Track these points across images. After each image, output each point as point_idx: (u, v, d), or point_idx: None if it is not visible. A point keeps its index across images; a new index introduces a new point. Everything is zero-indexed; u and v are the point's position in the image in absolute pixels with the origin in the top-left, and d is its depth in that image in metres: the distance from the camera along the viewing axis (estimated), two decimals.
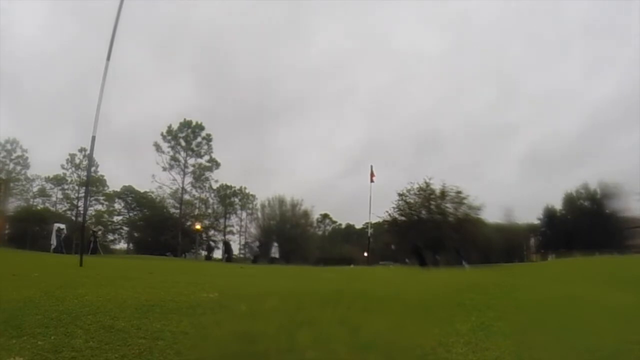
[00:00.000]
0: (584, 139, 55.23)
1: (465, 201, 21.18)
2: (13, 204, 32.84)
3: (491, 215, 26.91)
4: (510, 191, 48.82)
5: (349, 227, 46.38)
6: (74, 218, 36.18)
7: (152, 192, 39.25)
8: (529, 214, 36.94)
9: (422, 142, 62.41)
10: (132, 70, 55.10)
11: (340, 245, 39.97)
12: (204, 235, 36.52)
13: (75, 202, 38.55)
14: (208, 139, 39.33)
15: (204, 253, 33.80)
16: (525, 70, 64.45)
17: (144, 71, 58.18)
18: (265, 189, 64.22)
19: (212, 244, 33.53)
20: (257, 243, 28.45)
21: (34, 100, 49.72)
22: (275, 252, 24.62)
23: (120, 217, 41.35)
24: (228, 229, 42.19)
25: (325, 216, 46.50)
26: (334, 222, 48.06)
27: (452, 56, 63.40)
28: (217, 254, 34.10)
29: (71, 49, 54.99)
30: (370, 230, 27.36)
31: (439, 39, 64.12)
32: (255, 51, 65.57)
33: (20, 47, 53.79)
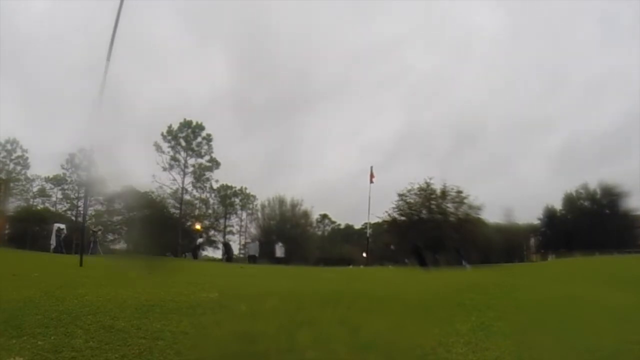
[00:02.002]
0: (621, 134, 49.47)
1: (465, 201, 21.21)
2: (13, 204, 32.87)
3: (491, 215, 26.76)
4: (541, 189, 45.63)
5: (348, 228, 46.38)
6: (74, 218, 36.19)
7: (152, 192, 39.20)
8: (529, 214, 36.79)
9: (461, 134, 56.00)
10: (160, 44, 52.55)
11: (340, 246, 39.95)
12: (203, 235, 36.50)
13: (75, 202, 38.58)
14: (208, 139, 39.33)
15: (204, 253, 33.74)
16: (586, 57, 54.96)
17: (175, 46, 54.59)
18: (281, 185, 60.69)
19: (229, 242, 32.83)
20: (257, 243, 28.45)
21: (37, 88, 47.47)
22: (280, 252, 24.59)
23: (120, 217, 41.33)
24: (228, 229, 42.21)
25: (324, 216, 46.51)
26: (333, 222, 48.07)
27: (510, 39, 55.50)
28: (218, 254, 34.08)
29: (82, 28, 49.35)
30: (369, 231, 27.41)
31: (500, 19, 55.87)
32: (301, 31, 60.05)
33: (24, 26, 49.17)
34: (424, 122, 54.62)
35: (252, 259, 23.08)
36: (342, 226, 47.81)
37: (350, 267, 21.76)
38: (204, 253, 34.23)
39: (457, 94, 56.98)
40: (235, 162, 54.98)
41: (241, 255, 35.11)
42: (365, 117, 58.24)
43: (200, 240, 32.41)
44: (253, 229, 40.56)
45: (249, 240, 32.40)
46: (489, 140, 52.82)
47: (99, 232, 25.15)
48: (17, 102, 42.40)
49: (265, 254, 25.69)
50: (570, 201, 35.26)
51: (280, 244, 25.78)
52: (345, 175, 55.32)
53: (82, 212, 32.89)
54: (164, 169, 38.10)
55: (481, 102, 54.29)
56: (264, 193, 45.91)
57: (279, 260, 23.39)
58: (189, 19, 53.88)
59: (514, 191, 43.55)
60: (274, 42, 55.71)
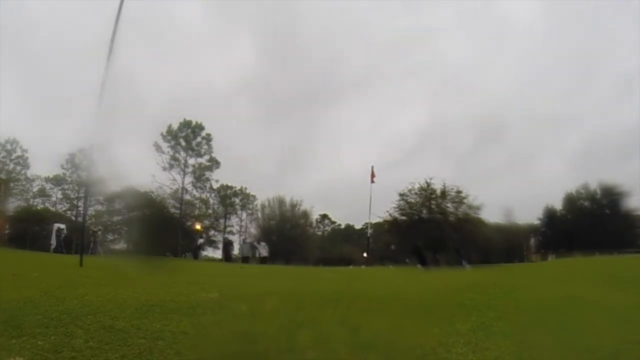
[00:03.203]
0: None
1: (465, 201, 21.22)
2: (13, 204, 32.87)
3: (492, 215, 26.70)
4: (557, 188, 43.77)
5: (349, 228, 46.39)
6: (74, 218, 36.20)
7: (152, 192, 39.18)
8: (529, 214, 36.69)
9: (484, 130, 54.21)
10: (181, 27, 51.47)
11: (340, 246, 39.98)
12: (203, 235, 36.54)
13: (75, 202, 38.59)
14: (208, 138, 39.36)
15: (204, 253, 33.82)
16: (620, 53, 51.68)
17: (197, 29, 52.07)
18: (292, 183, 56.73)
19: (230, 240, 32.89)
20: (249, 244, 28.58)
21: (37, 87, 47.08)
22: (264, 251, 24.66)
23: (120, 217, 41.28)
24: (228, 229, 42.22)
25: (324, 216, 46.53)
26: (333, 222, 48.08)
27: (545, 32, 51.99)
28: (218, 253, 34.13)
29: (84, 24, 48.09)
30: (370, 231, 27.40)
31: (536, 11, 52.40)
32: (332, 18, 56.33)
33: (25, 22, 47.55)
34: (448, 117, 53.59)
35: (245, 260, 23.30)
36: (343, 226, 47.85)
37: (351, 267, 21.79)
38: (204, 253, 34.31)
39: (485, 88, 54.37)
40: (247, 158, 53.85)
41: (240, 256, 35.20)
42: (388, 111, 56.73)
43: (201, 240, 32.51)
44: (253, 229, 40.62)
45: (248, 241, 32.42)
46: (512, 137, 51.50)
47: (99, 232, 25.20)
48: (17, 101, 42.28)
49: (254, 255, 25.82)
50: (570, 201, 35.26)
51: (263, 243, 25.88)
52: (360, 173, 53.89)
53: (82, 212, 32.93)
54: (164, 169, 38.13)
55: (509, 96, 51.77)
56: (275, 190, 45.00)
57: (262, 260, 23.52)
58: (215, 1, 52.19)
59: (529, 190, 42.23)
60: (303, 30, 54.59)
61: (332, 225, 48.19)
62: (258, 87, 54.80)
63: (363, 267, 22.52)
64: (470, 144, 54.15)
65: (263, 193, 42.87)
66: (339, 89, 55.28)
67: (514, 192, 42.42)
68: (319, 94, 56.52)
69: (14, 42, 44.22)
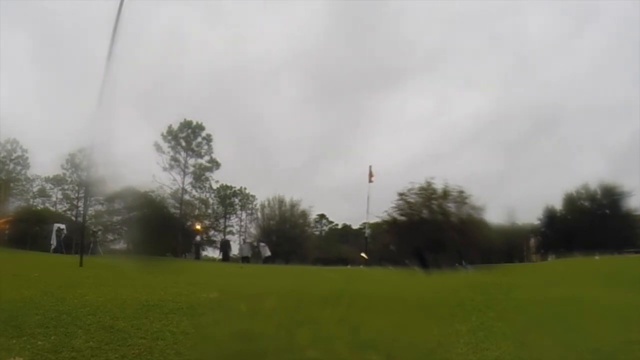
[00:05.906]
0: None
1: (467, 201, 21.14)
2: (13, 204, 32.87)
3: (493, 215, 26.58)
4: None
5: (346, 228, 46.38)
6: (74, 218, 36.19)
7: (153, 192, 39.18)
8: (529, 214, 36.55)
9: (541, 120, 47.09)
10: None
11: (338, 246, 40.02)
12: (204, 235, 36.56)
13: (75, 202, 38.58)
14: (208, 139, 39.40)
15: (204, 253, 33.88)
16: None
17: None
18: (322, 176, 51.93)
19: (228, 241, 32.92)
20: (248, 244, 28.63)
21: (38, 85, 45.63)
22: (264, 251, 24.62)
23: (120, 217, 41.24)
24: (228, 229, 42.24)
25: (322, 216, 46.55)
26: (331, 222, 48.05)
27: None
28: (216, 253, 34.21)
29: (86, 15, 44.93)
30: (367, 231, 27.42)
31: None
32: None
33: (28, 17, 45.42)
34: (510, 106, 46.73)
35: (245, 260, 23.31)
36: (340, 226, 47.83)
37: (348, 267, 21.79)
38: (204, 253, 34.35)
39: (557, 73, 46.64)
40: (276, 146, 49.98)
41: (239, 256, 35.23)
42: (446, 99, 49.39)
43: (197, 238, 32.62)
44: (253, 229, 40.66)
45: (247, 241, 32.45)
46: (567, 127, 46.25)
47: (99, 232, 25.18)
48: (17, 101, 42.06)
49: (256, 254, 25.78)
50: (570, 201, 35.24)
51: (262, 243, 25.85)
52: (389, 167, 47.20)
53: (82, 212, 32.92)
54: (164, 169, 38.18)
55: (579, 83, 44.48)
56: (297, 188, 42.24)
57: (265, 260, 23.48)
58: None
59: (529, 190, 40.03)
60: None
61: (330, 225, 48.17)
62: (310, 62, 49.09)
63: (361, 267, 22.48)
64: (523, 136, 47.24)
65: (283, 189, 40.72)
66: (397, 71, 49.77)
67: (515, 192, 41.55)
68: (374, 76, 50.92)
69: (12, 36, 43.66)
